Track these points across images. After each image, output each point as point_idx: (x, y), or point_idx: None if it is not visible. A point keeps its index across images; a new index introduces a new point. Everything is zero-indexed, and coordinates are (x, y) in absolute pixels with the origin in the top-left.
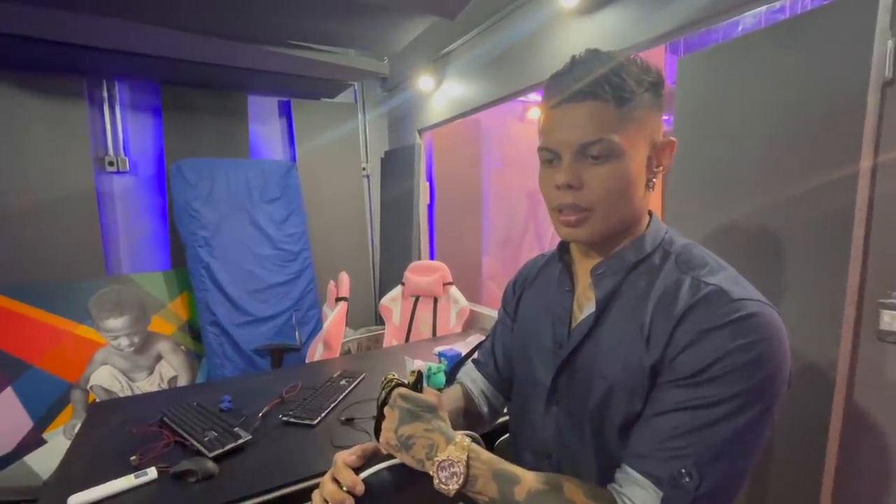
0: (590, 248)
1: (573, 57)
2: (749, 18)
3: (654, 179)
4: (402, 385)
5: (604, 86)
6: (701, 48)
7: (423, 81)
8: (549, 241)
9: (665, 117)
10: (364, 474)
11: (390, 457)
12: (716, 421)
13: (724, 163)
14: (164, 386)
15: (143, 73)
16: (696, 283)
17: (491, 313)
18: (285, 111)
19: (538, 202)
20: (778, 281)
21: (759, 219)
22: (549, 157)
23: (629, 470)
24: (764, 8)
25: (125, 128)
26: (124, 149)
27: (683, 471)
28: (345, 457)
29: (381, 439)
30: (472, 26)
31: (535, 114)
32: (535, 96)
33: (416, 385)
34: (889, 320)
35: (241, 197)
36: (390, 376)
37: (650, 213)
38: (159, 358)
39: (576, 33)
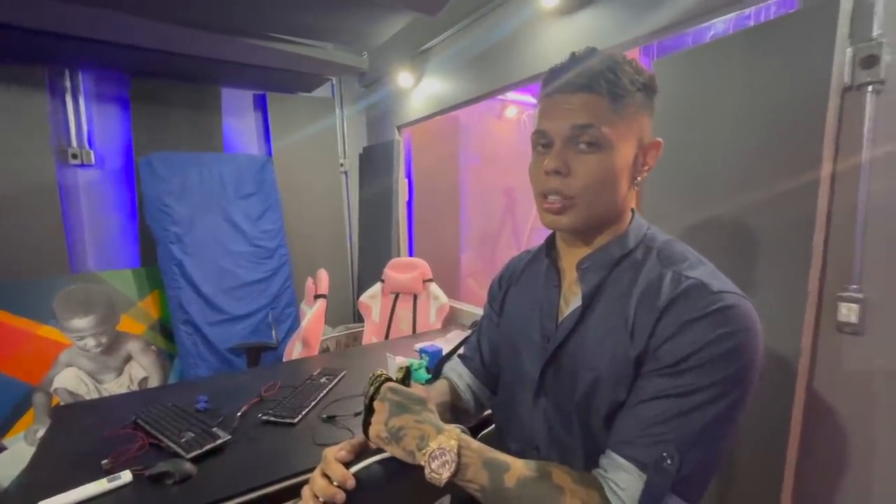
0: (575, 241)
1: (573, 53)
2: (720, 24)
3: (639, 177)
4: (391, 380)
5: (600, 80)
6: (674, 51)
7: (403, 78)
8: (526, 238)
9: None
10: (354, 469)
11: (380, 451)
12: (695, 408)
13: (697, 165)
14: (134, 387)
15: (111, 63)
16: (678, 276)
17: (471, 310)
18: (260, 105)
19: (515, 200)
20: (747, 278)
21: (730, 219)
22: (542, 141)
23: (614, 455)
24: (734, 14)
25: (90, 119)
26: (89, 141)
27: (665, 454)
28: (334, 452)
29: (370, 433)
30: (453, 23)
31: (512, 112)
32: (514, 94)
33: (405, 381)
34: (846, 312)
35: (214, 192)
36: (378, 372)
37: (632, 211)
38: (129, 358)
39: (555, 33)
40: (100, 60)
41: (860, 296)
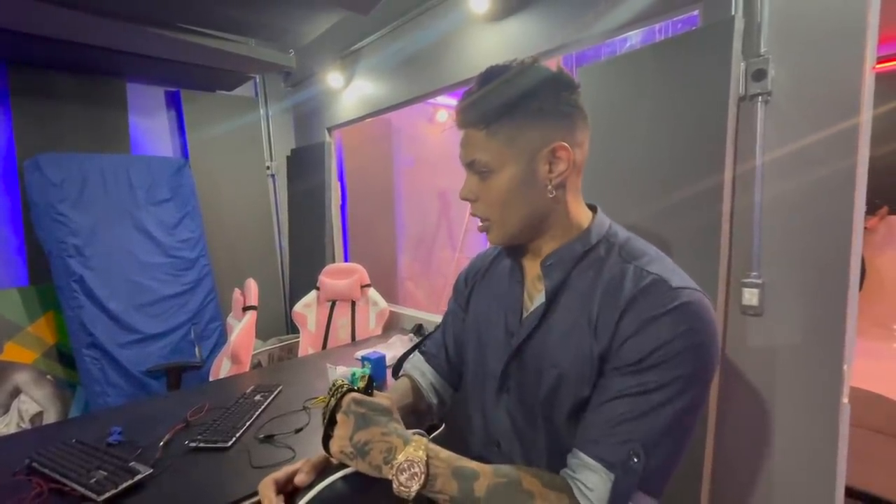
0: (527, 247)
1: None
2: (636, 36)
3: (549, 185)
4: (353, 390)
5: (470, 115)
6: (596, 60)
7: (332, 78)
8: (461, 239)
9: None
10: (317, 489)
11: (342, 467)
12: (660, 405)
13: (619, 167)
14: (26, 425)
15: None
16: (639, 271)
17: (411, 314)
18: (174, 103)
19: (449, 202)
20: None
21: (649, 216)
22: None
23: (581, 455)
24: (643, 29)
25: None
26: None
27: (632, 453)
28: (277, 475)
29: (333, 448)
30: (384, 24)
31: (443, 116)
32: (444, 99)
33: (367, 390)
34: (749, 297)
35: (122, 198)
36: (339, 382)
37: (595, 209)
38: (17, 392)
39: (485, 39)
40: None
41: (759, 281)
